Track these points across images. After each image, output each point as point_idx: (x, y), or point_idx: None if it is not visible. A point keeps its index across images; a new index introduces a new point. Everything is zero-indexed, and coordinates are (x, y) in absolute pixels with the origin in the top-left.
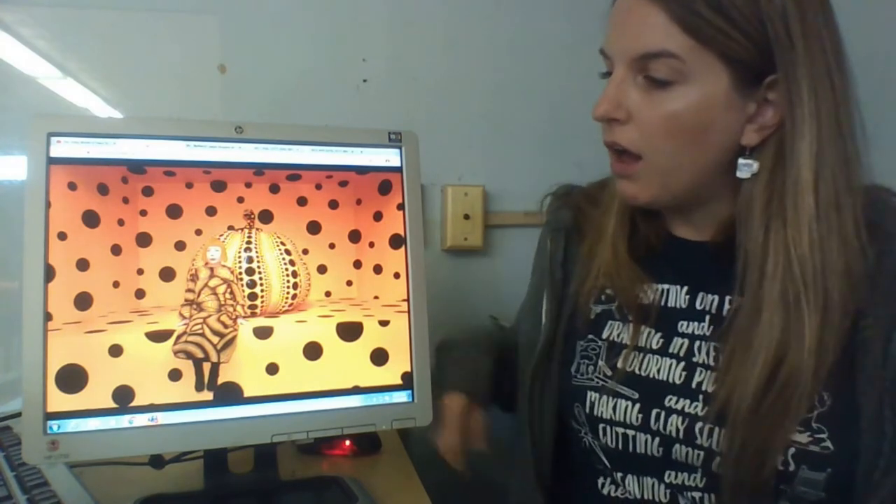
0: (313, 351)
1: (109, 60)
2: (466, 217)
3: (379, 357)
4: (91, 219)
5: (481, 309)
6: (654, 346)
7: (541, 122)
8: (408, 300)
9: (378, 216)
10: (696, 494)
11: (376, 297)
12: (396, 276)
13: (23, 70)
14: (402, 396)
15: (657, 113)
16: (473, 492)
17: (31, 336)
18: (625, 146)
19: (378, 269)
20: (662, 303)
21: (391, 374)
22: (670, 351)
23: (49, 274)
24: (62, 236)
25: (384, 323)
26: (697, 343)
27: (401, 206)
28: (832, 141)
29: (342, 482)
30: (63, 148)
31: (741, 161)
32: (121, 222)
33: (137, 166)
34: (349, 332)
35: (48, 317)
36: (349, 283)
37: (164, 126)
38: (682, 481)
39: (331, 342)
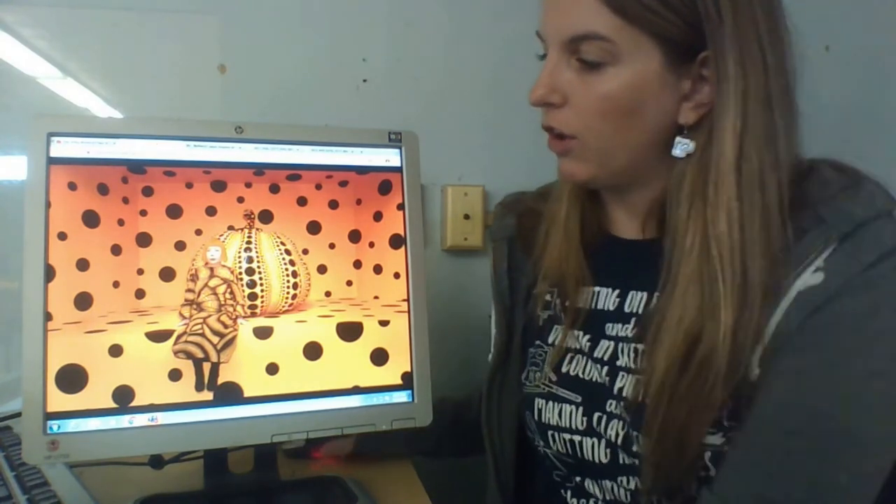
0: (313, 351)
1: (109, 60)
2: (466, 217)
3: (379, 357)
4: (91, 219)
5: (481, 309)
6: (586, 350)
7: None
8: (408, 300)
9: (378, 216)
10: (655, 497)
11: (376, 297)
12: (396, 276)
13: (23, 70)
14: (402, 396)
15: (591, 95)
16: (473, 492)
17: (31, 336)
18: (561, 130)
19: (378, 269)
20: (593, 305)
21: (391, 374)
22: (595, 355)
23: (49, 274)
24: (62, 236)
25: (384, 323)
26: (621, 346)
27: (401, 206)
28: (758, 117)
29: (342, 482)
30: (63, 148)
31: (677, 139)
32: (121, 222)
33: (137, 166)
34: (349, 332)
35: (48, 317)
36: (349, 283)
37: (164, 126)
38: (635, 486)
39: (331, 342)
